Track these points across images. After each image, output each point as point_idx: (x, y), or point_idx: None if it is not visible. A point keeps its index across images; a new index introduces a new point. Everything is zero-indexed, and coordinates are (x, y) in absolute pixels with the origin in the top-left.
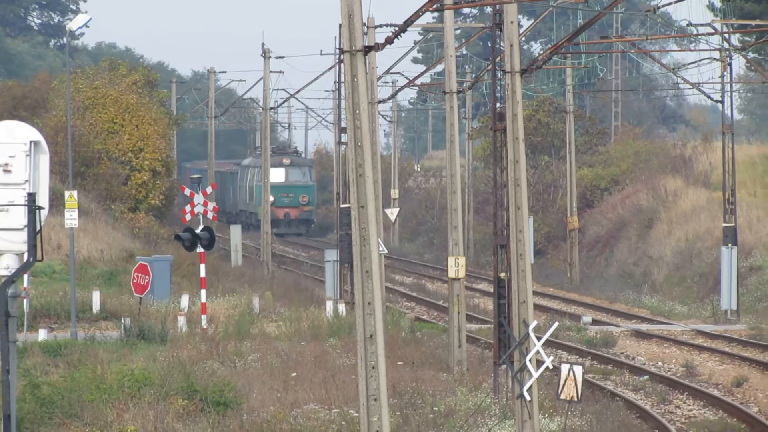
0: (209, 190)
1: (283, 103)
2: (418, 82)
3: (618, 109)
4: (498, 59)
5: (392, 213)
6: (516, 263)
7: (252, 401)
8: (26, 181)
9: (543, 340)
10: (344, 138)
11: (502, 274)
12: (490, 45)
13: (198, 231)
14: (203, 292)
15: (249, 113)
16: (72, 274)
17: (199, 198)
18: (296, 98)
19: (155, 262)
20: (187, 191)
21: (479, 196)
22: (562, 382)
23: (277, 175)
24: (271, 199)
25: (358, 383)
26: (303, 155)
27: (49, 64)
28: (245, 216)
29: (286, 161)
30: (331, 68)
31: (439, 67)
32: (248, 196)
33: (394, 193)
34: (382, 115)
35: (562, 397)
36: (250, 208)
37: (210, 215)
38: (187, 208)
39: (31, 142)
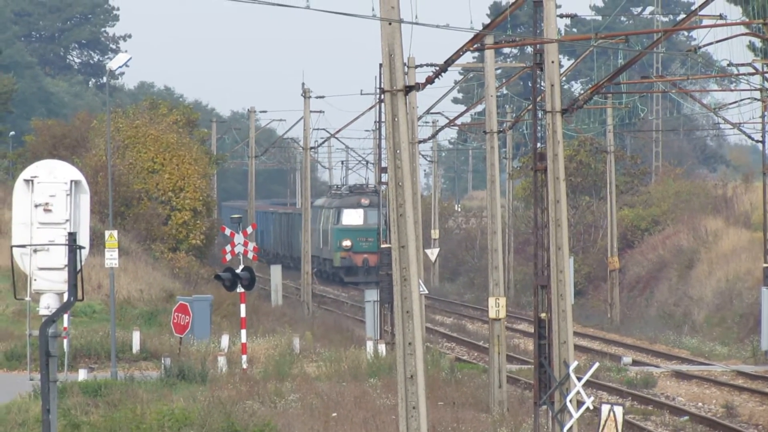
0: (249, 230)
1: (324, 142)
2: (458, 121)
3: (658, 149)
4: (539, 99)
5: (432, 253)
6: (557, 304)
7: None
8: (67, 220)
9: (583, 381)
10: (385, 178)
11: (543, 315)
12: (530, 85)
13: (238, 271)
14: (243, 332)
15: (289, 153)
16: (112, 314)
17: (239, 238)
18: (336, 138)
19: (195, 302)
20: (227, 231)
21: (520, 237)
22: (602, 422)
23: (354, 217)
24: (348, 243)
25: (398, 423)
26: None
27: (89, 103)
28: (318, 263)
29: (365, 201)
30: (371, 108)
31: (479, 107)
32: (321, 241)
33: (435, 234)
34: (423, 155)
35: None
36: (323, 254)
37: (250, 255)
38: (228, 248)
39: (71, 181)
